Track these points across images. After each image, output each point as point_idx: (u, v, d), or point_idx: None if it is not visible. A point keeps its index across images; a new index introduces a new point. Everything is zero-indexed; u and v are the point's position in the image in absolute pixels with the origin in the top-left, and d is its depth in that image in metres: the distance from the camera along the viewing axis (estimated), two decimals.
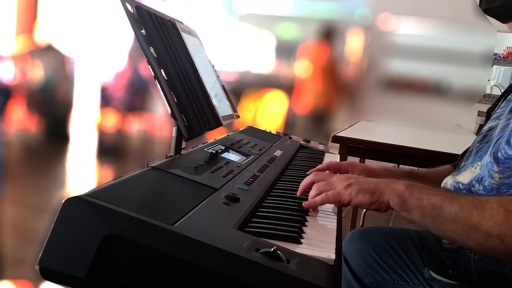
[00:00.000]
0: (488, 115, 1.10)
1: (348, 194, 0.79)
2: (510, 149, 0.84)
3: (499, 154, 0.86)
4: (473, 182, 0.92)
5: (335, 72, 2.87)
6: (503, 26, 1.01)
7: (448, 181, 1.01)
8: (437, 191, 0.76)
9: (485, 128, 1.02)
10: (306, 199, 0.86)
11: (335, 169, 1.12)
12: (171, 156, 0.94)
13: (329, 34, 2.83)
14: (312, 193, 0.84)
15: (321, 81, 2.98)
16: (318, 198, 0.81)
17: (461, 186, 0.95)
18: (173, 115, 0.90)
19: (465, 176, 0.96)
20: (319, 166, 1.11)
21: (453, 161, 1.20)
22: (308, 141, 2.05)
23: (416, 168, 1.21)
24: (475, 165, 0.95)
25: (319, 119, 2.98)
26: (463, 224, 0.70)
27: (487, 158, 0.90)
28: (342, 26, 2.79)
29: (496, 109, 1.04)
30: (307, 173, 1.10)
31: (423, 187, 0.77)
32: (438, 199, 0.73)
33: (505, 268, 0.83)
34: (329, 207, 0.87)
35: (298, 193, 0.90)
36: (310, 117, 3.02)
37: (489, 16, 1.00)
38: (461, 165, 1.02)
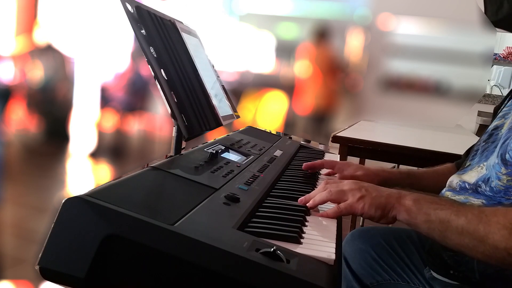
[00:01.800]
0: (494, 113, 1.10)
1: (360, 208, 0.80)
2: None
3: (507, 156, 0.86)
4: (479, 183, 0.92)
5: (334, 72, 2.87)
6: None
7: (453, 180, 1.01)
8: (444, 205, 0.76)
9: (491, 126, 1.01)
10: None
11: (330, 166, 1.13)
12: (171, 156, 0.94)
13: (324, 34, 2.83)
14: (322, 197, 0.83)
15: (320, 81, 2.98)
16: (331, 212, 0.81)
17: (467, 186, 0.95)
18: (173, 115, 0.90)
19: (471, 176, 0.96)
20: (316, 161, 1.12)
21: (454, 161, 1.20)
22: (309, 141, 2.05)
23: (414, 168, 1.21)
24: (481, 165, 0.95)
25: (319, 119, 2.98)
26: (470, 237, 0.71)
27: (494, 159, 0.89)
28: (342, 26, 2.79)
29: (502, 107, 1.04)
30: (303, 166, 1.11)
31: (431, 201, 0.78)
32: (445, 213, 0.74)
33: (509, 270, 0.83)
34: (330, 206, 0.87)
35: (309, 204, 0.84)
36: (311, 117, 3.02)
37: (498, 28, 1.00)
38: (467, 164, 1.01)
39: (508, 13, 0.94)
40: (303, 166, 1.12)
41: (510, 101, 1.01)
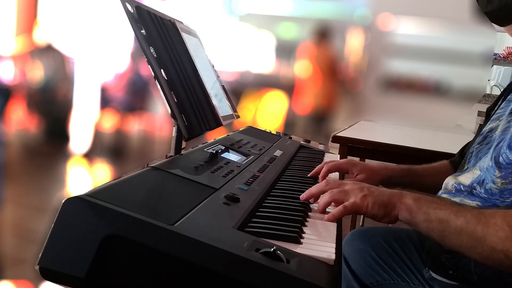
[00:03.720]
0: (487, 114, 1.10)
1: (365, 206, 0.80)
2: (511, 154, 0.84)
3: (501, 159, 0.86)
4: (474, 184, 0.92)
5: (334, 71, 2.87)
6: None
7: (449, 182, 1.01)
8: (444, 205, 0.76)
9: (486, 129, 1.01)
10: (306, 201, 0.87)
11: (335, 169, 1.12)
12: (171, 156, 0.94)
13: (325, 33, 2.83)
14: (325, 199, 0.83)
15: (320, 81, 2.98)
16: (336, 212, 0.80)
17: (462, 188, 0.95)
18: (173, 115, 0.90)
19: (466, 177, 0.96)
20: (318, 167, 1.11)
21: None
22: (308, 141, 2.05)
23: (414, 165, 1.22)
24: (476, 166, 0.95)
25: (319, 119, 2.98)
26: (468, 238, 0.72)
27: (488, 162, 0.89)
28: (342, 26, 2.79)
29: (496, 109, 1.04)
30: (309, 175, 1.10)
31: (431, 201, 0.78)
32: (445, 213, 0.75)
33: (506, 272, 0.83)
34: (330, 208, 0.87)
35: (303, 197, 0.88)
36: (311, 117, 3.02)
37: (488, 19, 1.00)
38: (464, 168, 1.01)
39: (498, 7, 0.94)
40: (310, 175, 1.11)
41: (504, 103, 1.01)
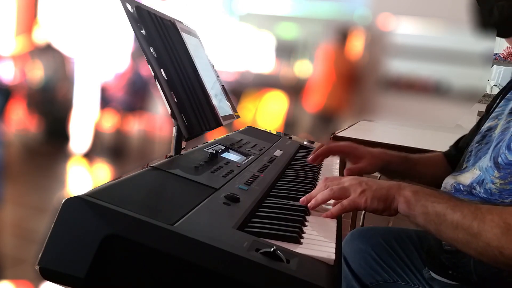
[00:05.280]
0: (487, 112, 1.10)
1: (363, 202, 0.80)
2: (510, 155, 0.84)
3: (500, 159, 0.86)
4: (474, 184, 0.92)
5: (351, 74, 2.86)
6: None
7: (448, 181, 1.01)
8: (442, 199, 0.77)
9: (484, 127, 1.01)
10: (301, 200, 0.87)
11: (336, 150, 1.17)
12: (171, 156, 0.94)
13: (346, 35, 2.81)
14: (324, 195, 0.83)
15: (335, 83, 2.97)
16: (335, 210, 0.81)
17: (461, 188, 0.95)
18: (173, 115, 0.90)
19: (466, 177, 0.96)
20: (319, 150, 1.14)
21: None
22: (312, 142, 2.04)
23: (410, 154, 1.23)
24: (475, 166, 0.95)
25: (327, 119, 2.97)
26: (464, 233, 0.72)
27: (487, 162, 0.89)
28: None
29: (494, 107, 1.04)
30: (308, 160, 1.13)
31: (429, 194, 0.78)
32: (442, 207, 0.75)
33: (505, 271, 0.83)
34: (329, 206, 0.87)
35: (303, 201, 0.86)
36: (318, 117, 3.02)
37: (489, 32, 1.01)
38: (463, 167, 1.01)
39: (499, 20, 0.94)
40: (307, 160, 1.14)
41: (502, 101, 1.01)
